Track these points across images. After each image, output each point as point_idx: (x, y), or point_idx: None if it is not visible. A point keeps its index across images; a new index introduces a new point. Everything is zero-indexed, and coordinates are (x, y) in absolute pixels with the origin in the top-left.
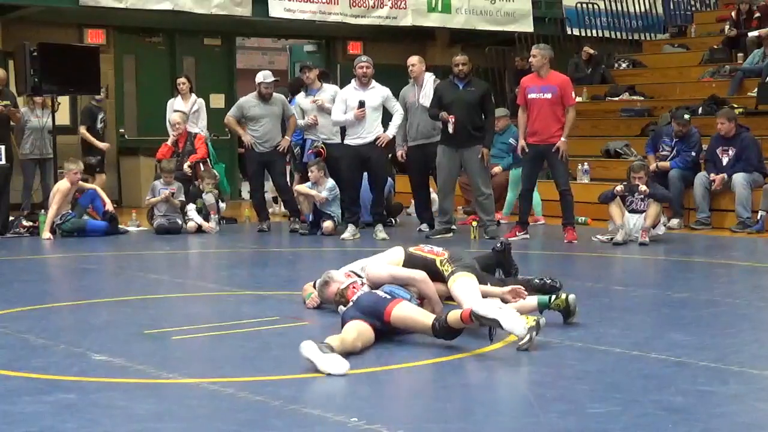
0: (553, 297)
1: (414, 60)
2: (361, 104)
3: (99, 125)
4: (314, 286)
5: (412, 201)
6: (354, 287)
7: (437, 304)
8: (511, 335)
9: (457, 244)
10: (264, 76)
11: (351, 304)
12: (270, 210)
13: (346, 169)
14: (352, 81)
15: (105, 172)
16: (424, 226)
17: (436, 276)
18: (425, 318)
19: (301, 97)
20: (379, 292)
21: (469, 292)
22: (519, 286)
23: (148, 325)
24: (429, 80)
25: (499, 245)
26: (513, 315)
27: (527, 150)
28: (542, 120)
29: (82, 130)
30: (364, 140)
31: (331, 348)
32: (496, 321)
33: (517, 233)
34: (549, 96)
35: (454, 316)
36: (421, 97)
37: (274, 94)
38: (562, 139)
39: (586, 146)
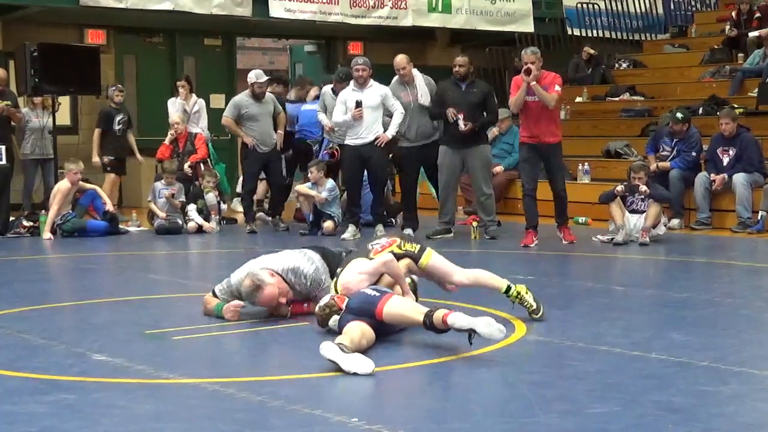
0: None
1: (404, 62)
2: (358, 104)
3: (116, 127)
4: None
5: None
6: (340, 298)
7: (406, 289)
8: (513, 335)
9: (457, 244)
10: (257, 76)
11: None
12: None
13: (346, 170)
14: (351, 82)
15: (118, 173)
16: (410, 231)
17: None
18: (416, 315)
19: (329, 93)
20: (367, 290)
21: (447, 263)
22: None
23: (149, 325)
24: (419, 77)
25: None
26: (489, 321)
27: (521, 150)
28: (537, 122)
29: (96, 134)
30: (364, 140)
31: (348, 347)
32: (473, 329)
33: (534, 239)
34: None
35: (438, 317)
36: (419, 97)
37: (267, 93)
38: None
39: (586, 146)
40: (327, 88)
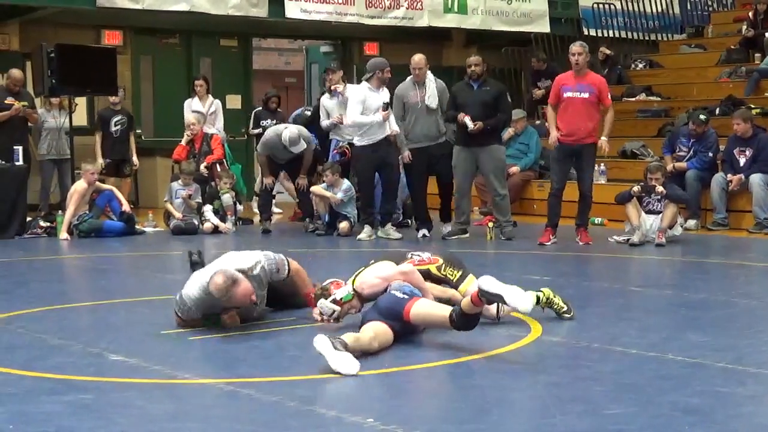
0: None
1: (422, 63)
2: (387, 106)
3: (113, 129)
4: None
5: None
6: (337, 284)
7: (428, 294)
8: (529, 336)
9: (473, 245)
10: (290, 143)
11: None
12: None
13: (360, 170)
14: (365, 83)
15: (117, 175)
16: (425, 232)
17: (437, 282)
18: (443, 311)
19: (325, 99)
20: (397, 293)
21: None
22: None
23: (165, 325)
24: (431, 79)
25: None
26: (517, 291)
27: (555, 148)
28: (578, 120)
29: (97, 137)
30: (378, 138)
31: (345, 344)
32: (500, 296)
33: (550, 237)
34: (586, 95)
35: (466, 301)
36: (427, 98)
37: (301, 140)
38: (604, 138)
39: None
40: (324, 98)
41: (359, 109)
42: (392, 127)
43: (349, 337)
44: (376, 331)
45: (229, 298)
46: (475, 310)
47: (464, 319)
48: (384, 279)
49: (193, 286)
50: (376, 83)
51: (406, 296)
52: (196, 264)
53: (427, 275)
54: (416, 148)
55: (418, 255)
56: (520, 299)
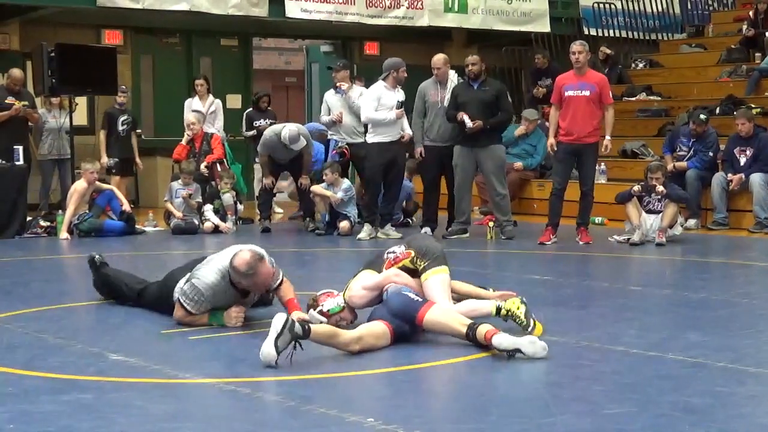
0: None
1: (440, 63)
2: (401, 104)
3: (120, 128)
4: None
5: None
6: (328, 295)
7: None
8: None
9: (473, 245)
10: (290, 141)
11: (336, 305)
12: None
13: (370, 168)
14: (381, 81)
15: (123, 174)
16: (428, 230)
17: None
18: (458, 326)
19: (329, 94)
20: (410, 294)
21: (440, 291)
22: (508, 292)
23: (165, 324)
24: (453, 80)
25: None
26: (531, 341)
27: (556, 148)
28: (579, 118)
29: (101, 136)
30: (392, 138)
31: (301, 332)
32: (518, 349)
33: (551, 236)
34: (587, 93)
35: (481, 334)
36: (446, 99)
37: (301, 137)
38: (607, 137)
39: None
40: (328, 94)
41: (374, 105)
42: (405, 130)
43: (323, 328)
44: (368, 333)
45: (254, 274)
46: (485, 344)
47: (477, 343)
48: (371, 289)
49: (210, 270)
50: (392, 82)
51: (419, 299)
52: (102, 265)
53: (406, 271)
54: (431, 146)
55: (393, 252)
56: (536, 348)
